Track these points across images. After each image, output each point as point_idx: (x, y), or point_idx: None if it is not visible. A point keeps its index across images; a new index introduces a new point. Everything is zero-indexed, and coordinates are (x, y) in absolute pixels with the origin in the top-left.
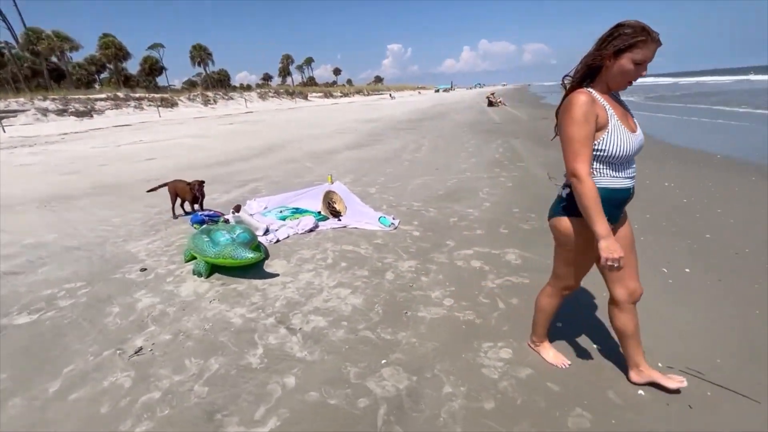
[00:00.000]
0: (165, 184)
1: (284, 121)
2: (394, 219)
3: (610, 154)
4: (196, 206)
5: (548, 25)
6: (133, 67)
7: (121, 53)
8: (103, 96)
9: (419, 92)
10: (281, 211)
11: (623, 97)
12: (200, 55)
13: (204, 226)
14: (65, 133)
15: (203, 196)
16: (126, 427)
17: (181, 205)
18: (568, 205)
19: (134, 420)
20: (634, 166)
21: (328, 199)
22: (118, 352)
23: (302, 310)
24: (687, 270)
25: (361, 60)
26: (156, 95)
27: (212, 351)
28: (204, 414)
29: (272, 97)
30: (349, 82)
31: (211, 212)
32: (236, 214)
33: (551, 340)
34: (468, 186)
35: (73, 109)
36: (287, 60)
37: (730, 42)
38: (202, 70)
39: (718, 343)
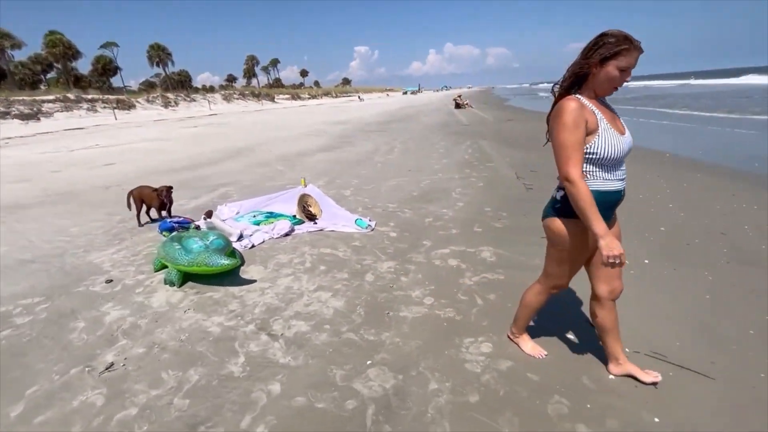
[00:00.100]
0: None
1: (251, 124)
2: (370, 221)
3: (601, 156)
4: (164, 213)
5: (510, 29)
6: (84, 66)
7: (70, 52)
8: (51, 97)
9: (387, 94)
10: (255, 216)
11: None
12: (159, 55)
13: (174, 233)
14: (9, 138)
15: (171, 202)
16: None
17: (147, 213)
18: (562, 207)
19: None
20: (624, 167)
21: (303, 203)
22: (86, 369)
23: (283, 315)
24: (646, 261)
25: (328, 62)
26: (111, 97)
27: (190, 362)
28: (186, 427)
29: (237, 99)
30: (317, 83)
31: (181, 219)
32: (208, 220)
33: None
34: (441, 187)
35: (17, 112)
36: (252, 61)
37: (673, 48)
38: (161, 70)
39: (677, 328)
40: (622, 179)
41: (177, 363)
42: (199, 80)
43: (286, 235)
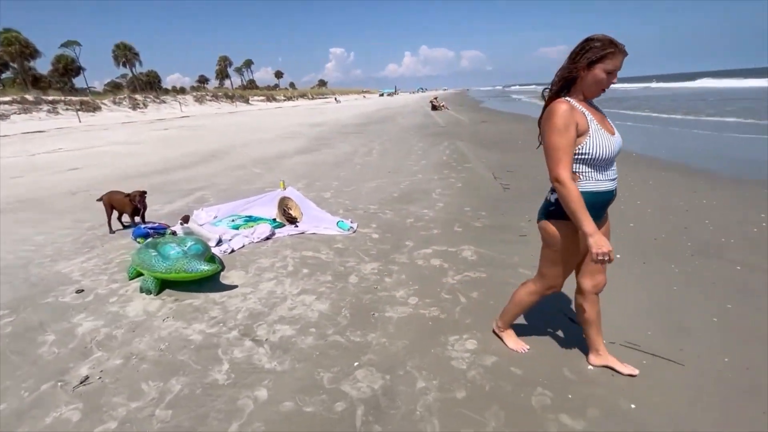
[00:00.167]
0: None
1: (226, 126)
2: (352, 223)
3: (594, 156)
4: (138, 219)
5: (483, 33)
6: (43, 66)
7: (27, 51)
8: (7, 99)
9: (364, 96)
10: (233, 220)
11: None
12: (125, 54)
13: (149, 239)
14: None
15: (145, 207)
16: None
17: (119, 219)
18: (556, 209)
19: None
20: (615, 167)
21: (283, 206)
22: (59, 384)
23: (267, 320)
24: (618, 256)
25: (304, 63)
26: (74, 98)
27: (172, 371)
28: None
29: (210, 100)
30: (292, 85)
31: (156, 224)
32: (185, 225)
33: None
34: (421, 187)
35: None
36: (225, 62)
37: (636, 53)
38: (127, 71)
39: (648, 318)
40: (613, 179)
41: (157, 373)
42: (168, 81)
43: (267, 238)
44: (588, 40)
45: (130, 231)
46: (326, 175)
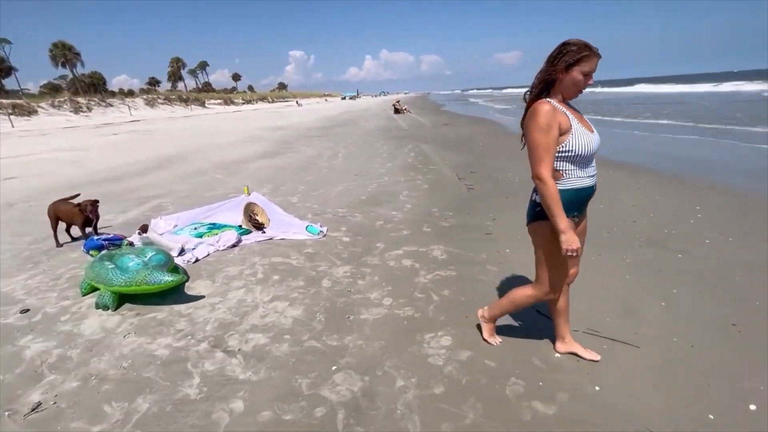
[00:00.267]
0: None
1: (181, 130)
2: (321, 226)
3: (576, 153)
4: (89, 230)
5: (441, 38)
6: None
7: None
8: None
9: (326, 99)
10: (196, 228)
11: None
12: (64, 54)
13: (104, 251)
14: None
15: (98, 218)
16: None
17: (67, 231)
18: (542, 210)
19: None
20: (594, 164)
21: (249, 211)
22: (7, 413)
23: (238, 329)
24: None
25: (263, 66)
26: (5, 101)
27: (138, 390)
28: None
29: (163, 103)
30: (251, 88)
31: (111, 235)
32: (143, 234)
33: (477, 321)
34: (388, 190)
35: None
36: (177, 63)
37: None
38: (67, 72)
39: (605, 305)
40: (592, 176)
41: (121, 393)
42: (114, 83)
43: (233, 246)
44: (565, 44)
45: (80, 243)
46: (292, 180)
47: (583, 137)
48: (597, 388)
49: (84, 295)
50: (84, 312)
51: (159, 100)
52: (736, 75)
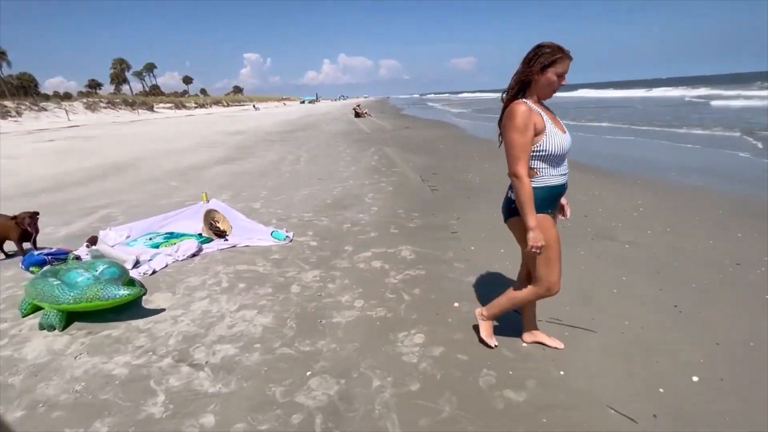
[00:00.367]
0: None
1: (128, 136)
2: (287, 232)
3: (550, 153)
4: (28, 245)
5: (399, 43)
6: None
7: None
8: None
9: (284, 103)
10: (151, 238)
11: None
12: None
13: (47, 267)
14: None
15: (37, 231)
16: None
17: None
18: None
19: None
20: (566, 163)
21: (210, 219)
22: None
23: (204, 342)
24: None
25: (216, 68)
26: None
27: (95, 414)
28: None
29: (105, 107)
30: (203, 91)
31: (53, 249)
32: (92, 247)
33: (450, 320)
34: (353, 193)
35: None
36: (121, 65)
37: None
38: None
39: (565, 296)
40: (564, 174)
41: (76, 418)
42: (48, 86)
43: (194, 255)
44: (539, 47)
45: (17, 260)
46: (253, 185)
47: (556, 138)
48: (562, 372)
49: (24, 316)
50: (26, 334)
51: (101, 104)
52: (665, 81)
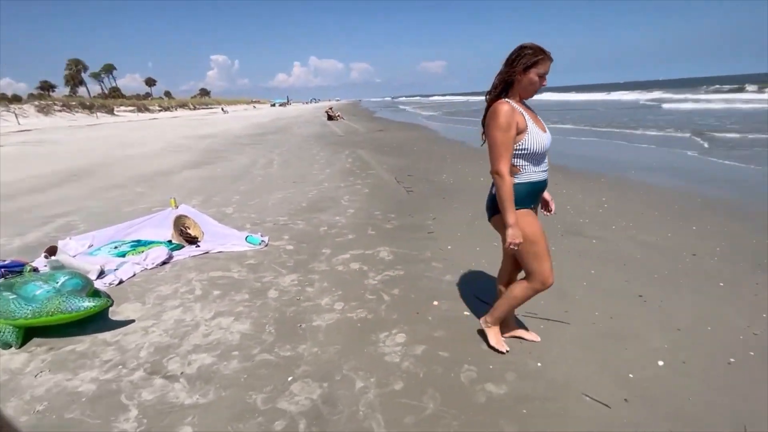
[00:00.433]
0: None
1: (87, 141)
2: (262, 236)
3: (532, 151)
4: None
5: (370, 46)
6: None
7: None
8: None
9: (254, 106)
10: (116, 247)
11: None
12: None
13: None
14: None
15: None
16: None
17: None
18: None
19: None
20: (547, 161)
21: (180, 225)
22: None
23: (178, 352)
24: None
25: (181, 70)
26: None
27: None
28: None
29: (60, 111)
30: (168, 94)
31: (7, 261)
32: (51, 258)
33: (430, 318)
34: (329, 195)
35: None
36: (77, 66)
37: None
38: None
39: None
40: (545, 170)
41: None
42: None
43: (164, 263)
44: (521, 48)
45: None
46: (224, 190)
47: (537, 136)
48: (539, 364)
49: None
50: None
51: (55, 107)
52: (621, 86)
